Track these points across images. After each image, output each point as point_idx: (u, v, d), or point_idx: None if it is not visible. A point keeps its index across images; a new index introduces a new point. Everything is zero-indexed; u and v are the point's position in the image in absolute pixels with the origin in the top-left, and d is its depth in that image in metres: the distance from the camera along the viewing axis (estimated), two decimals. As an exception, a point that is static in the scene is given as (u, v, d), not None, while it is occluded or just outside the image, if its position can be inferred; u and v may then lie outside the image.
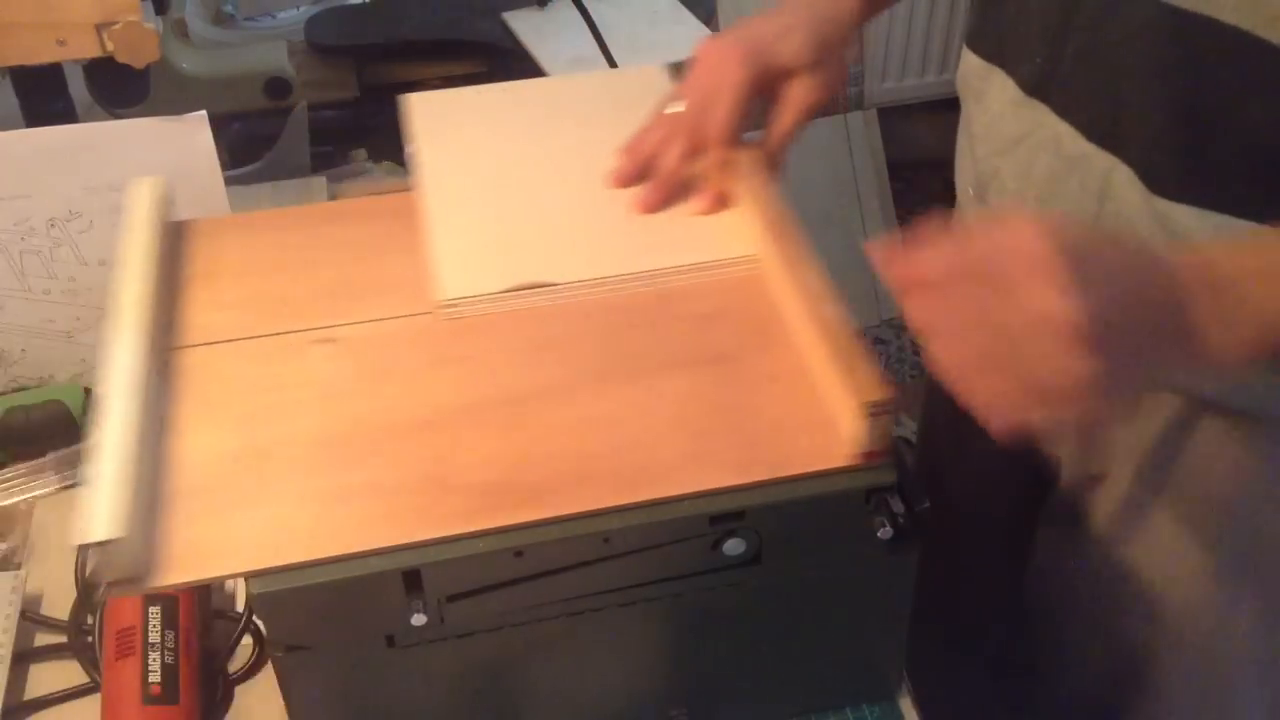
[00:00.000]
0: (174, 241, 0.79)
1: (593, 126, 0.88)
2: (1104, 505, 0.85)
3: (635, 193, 0.82)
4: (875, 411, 0.61)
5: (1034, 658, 0.98)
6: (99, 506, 0.57)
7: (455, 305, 0.73)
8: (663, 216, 0.80)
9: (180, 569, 0.58)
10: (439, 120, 0.90)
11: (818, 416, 0.65)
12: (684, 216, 0.80)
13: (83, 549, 0.55)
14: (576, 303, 0.74)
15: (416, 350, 0.70)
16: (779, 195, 0.77)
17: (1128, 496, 0.84)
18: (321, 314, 0.73)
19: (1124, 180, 0.71)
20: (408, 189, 0.83)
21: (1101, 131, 0.73)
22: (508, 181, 0.83)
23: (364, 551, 0.59)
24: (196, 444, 0.65)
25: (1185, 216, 0.69)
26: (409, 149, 0.87)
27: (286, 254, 0.78)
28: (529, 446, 0.64)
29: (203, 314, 0.73)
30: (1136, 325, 0.53)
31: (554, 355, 0.70)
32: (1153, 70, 0.67)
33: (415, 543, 0.59)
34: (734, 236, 0.77)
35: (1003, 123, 0.81)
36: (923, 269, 0.56)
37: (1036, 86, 0.77)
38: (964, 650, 1.05)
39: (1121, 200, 0.72)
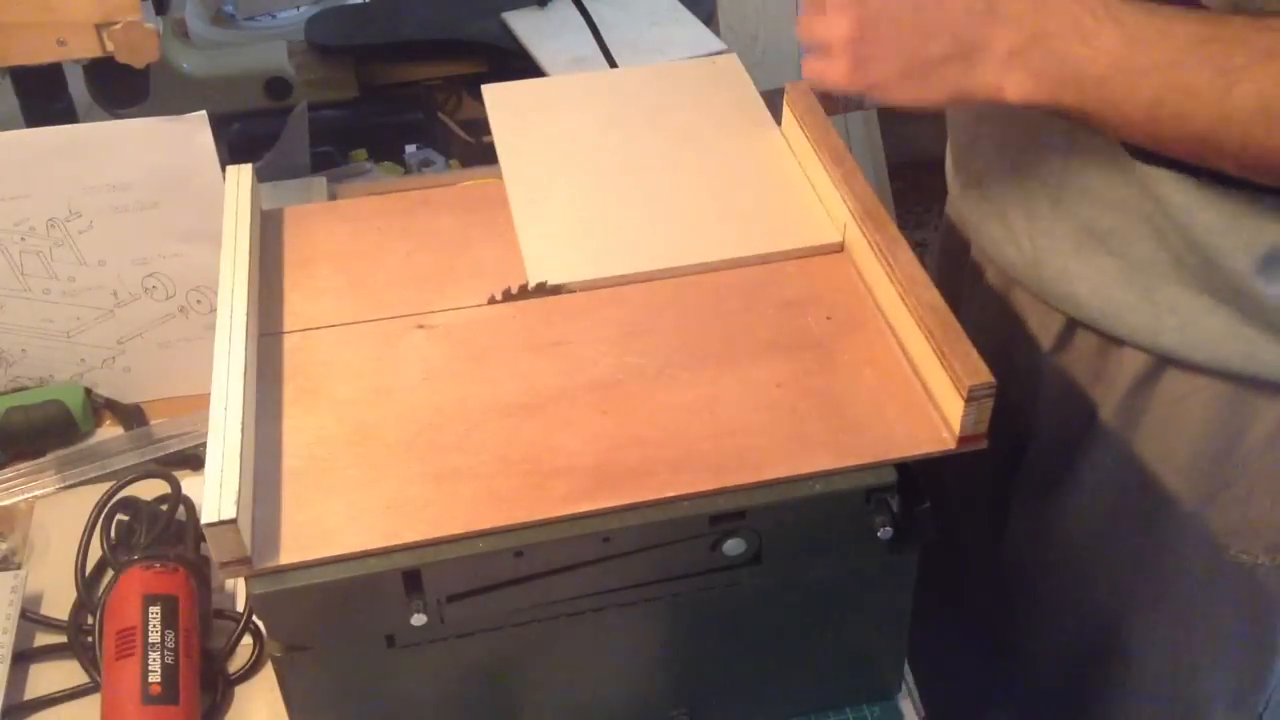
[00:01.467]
0: (270, 229, 0.80)
1: (669, 116, 0.89)
2: (1073, 469, 0.86)
3: (716, 182, 0.81)
4: (976, 395, 0.61)
5: (1012, 626, 0.99)
6: (213, 489, 0.57)
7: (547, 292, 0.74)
8: (748, 204, 0.80)
9: (291, 550, 0.59)
10: (517, 110, 0.90)
11: (915, 401, 0.65)
12: (769, 203, 0.80)
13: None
14: (665, 289, 0.74)
15: (509, 336, 0.71)
16: (866, 181, 0.77)
17: (1095, 459, 0.84)
18: (416, 301, 0.74)
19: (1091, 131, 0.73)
20: (496, 177, 0.84)
21: None
22: (589, 170, 0.84)
23: (383, 549, 0.59)
24: (302, 428, 0.65)
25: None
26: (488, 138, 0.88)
27: (378, 241, 0.79)
28: (624, 431, 0.64)
29: (302, 300, 0.75)
30: (904, 23, 0.69)
31: (644, 342, 0.70)
32: None
33: (419, 541, 0.59)
34: (818, 224, 0.78)
35: None
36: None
37: None
38: (945, 618, 1.06)
39: (1087, 148, 0.74)
